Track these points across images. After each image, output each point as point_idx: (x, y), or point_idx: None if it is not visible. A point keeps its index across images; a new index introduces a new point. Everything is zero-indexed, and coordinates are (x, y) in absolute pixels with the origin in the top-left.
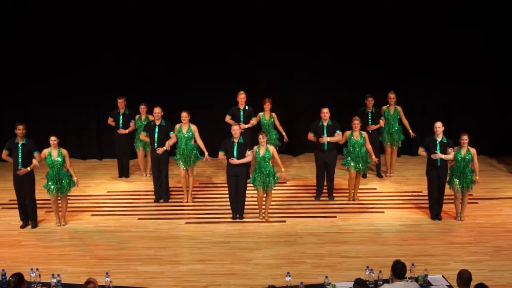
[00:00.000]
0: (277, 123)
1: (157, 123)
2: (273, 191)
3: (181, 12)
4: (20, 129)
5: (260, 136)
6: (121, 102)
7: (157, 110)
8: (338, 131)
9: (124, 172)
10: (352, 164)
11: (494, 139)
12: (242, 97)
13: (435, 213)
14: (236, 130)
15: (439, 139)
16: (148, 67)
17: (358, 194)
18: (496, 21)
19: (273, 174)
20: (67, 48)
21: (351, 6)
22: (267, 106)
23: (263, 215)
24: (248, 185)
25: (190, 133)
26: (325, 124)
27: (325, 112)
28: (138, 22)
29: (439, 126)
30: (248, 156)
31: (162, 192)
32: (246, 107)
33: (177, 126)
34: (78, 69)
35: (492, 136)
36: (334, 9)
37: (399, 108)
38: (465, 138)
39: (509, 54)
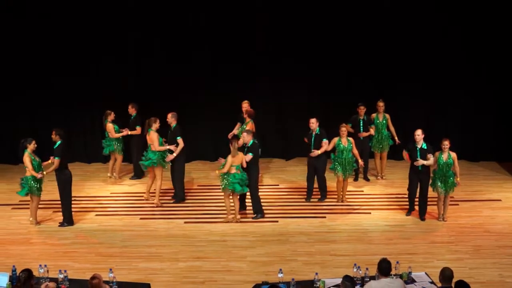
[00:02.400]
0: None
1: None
2: (266, 193)
3: (181, 13)
4: (53, 134)
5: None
6: (130, 108)
7: (169, 116)
8: (324, 140)
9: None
10: (340, 168)
11: (474, 144)
12: (244, 106)
13: (413, 207)
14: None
15: (419, 146)
16: (147, 68)
17: (346, 196)
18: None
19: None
20: (68, 52)
21: (342, 13)
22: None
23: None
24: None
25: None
26: (313, 133)
27: (312, 122)
28: (138, 23)
29: (418, 134)
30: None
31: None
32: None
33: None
34: (80, 73)
35: (472, 142)
36: (325, 16)
37: (387, 115)
38: (446, 143)
39: (494, 62)
